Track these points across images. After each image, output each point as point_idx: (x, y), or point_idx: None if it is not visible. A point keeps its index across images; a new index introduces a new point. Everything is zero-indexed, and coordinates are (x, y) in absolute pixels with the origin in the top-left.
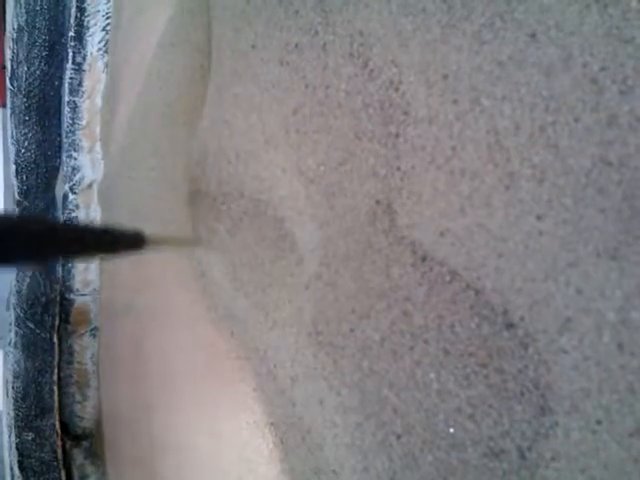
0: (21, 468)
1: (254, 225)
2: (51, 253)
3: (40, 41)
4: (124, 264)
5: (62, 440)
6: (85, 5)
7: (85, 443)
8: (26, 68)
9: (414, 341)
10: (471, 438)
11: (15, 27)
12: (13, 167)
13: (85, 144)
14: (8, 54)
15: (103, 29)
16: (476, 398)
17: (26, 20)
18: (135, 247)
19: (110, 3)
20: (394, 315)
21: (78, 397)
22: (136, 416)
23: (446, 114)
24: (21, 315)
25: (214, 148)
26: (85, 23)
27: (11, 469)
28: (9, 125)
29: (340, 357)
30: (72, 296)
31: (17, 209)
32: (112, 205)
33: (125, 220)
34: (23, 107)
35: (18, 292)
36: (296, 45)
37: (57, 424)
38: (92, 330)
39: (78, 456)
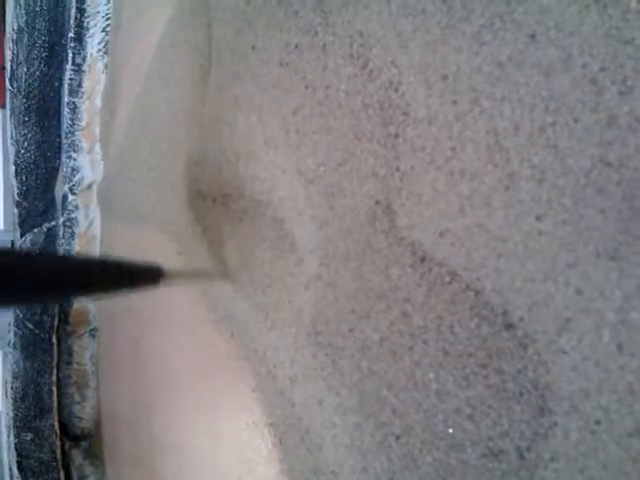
0: (20, 468)
1: (254, 226)
2: (62, 293)
3: (40, 42)
4: None
5: (61, 440)
6: (85, 6)
7: (84, 443)
8: (26, 69)
9: (413, 341)
10: (470, 438)
11: (15, 28)
12: (12, 168)
13: (85, 145)
14: (8, 55)
15: (103, 30)
16: (475, 398)
17: (26, 21)
18: (153, 282)
19: (110, 4)
20: (393, 315)
21: (77, 397)
22: (136, 416)
23: (446, 115)
24: (20, 316)
25: (214, 149)
26: (85, 24)
27: (10, 469)
28: (8, 126)
29: (339, 357)
30: None
31: (16, 209)
32: (112, 206)
33: (125, 220)
34: (23, 108)
35: None
36: (296, 46)
37: (56, 424)
38: (91, 331)
39: (77, 456)
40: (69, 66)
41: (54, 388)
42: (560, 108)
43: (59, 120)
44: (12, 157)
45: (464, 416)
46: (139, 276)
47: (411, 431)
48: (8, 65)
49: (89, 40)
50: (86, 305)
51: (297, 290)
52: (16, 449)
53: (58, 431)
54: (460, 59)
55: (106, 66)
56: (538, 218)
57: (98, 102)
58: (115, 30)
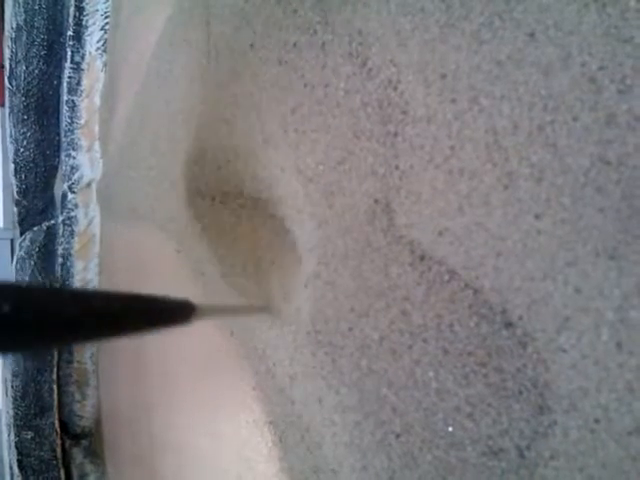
0: (20, 467)
1: (253, 224)
2: (85, 335)
3: (39, 40)
4: (122, 263)
5: (61, 439)
6: (84, 4)
7: (84, 442)
8: (25, 67)
9: (413, 340)
10: (470, 437)
11: (14, 26)
12: (12, 166)
13: (84, 143)
14: (7, 53)
15: (102, 28)
16: (475, 397)
17: (25, 19)
18: (183, 320)
19: (109, 2)
20: (393, 314)
21: (77, 396)
22: (136, 415)
23: (445, 113)
24: None
25: (213, 147)
26: (84, 22)
27: (10, 468)
28: (8, 124)
29: (339, 356)
30: None
31: (16, 208)
32: (111, 204)
33: (124, 219)
34: (22, 106)
35: None
36: (295, 44)
37: (56, 423)
38: None
39: (77, 455)
40: (68, 64)
41: (54, 386)
42: (559, 107)
43: (58, 118)
44: (11, 155)
45: (464, 414)
46: (170, 313)
47: (411, 429)
48: (7, 63)
49: (88, 38)
50: None
51: (296, 289)
52: (16, 447)
53: (58, 429)
54: (459, 58)
55: (105, 64)
56: (537, 217)
57: (97, 100)
58: (114, 28)
